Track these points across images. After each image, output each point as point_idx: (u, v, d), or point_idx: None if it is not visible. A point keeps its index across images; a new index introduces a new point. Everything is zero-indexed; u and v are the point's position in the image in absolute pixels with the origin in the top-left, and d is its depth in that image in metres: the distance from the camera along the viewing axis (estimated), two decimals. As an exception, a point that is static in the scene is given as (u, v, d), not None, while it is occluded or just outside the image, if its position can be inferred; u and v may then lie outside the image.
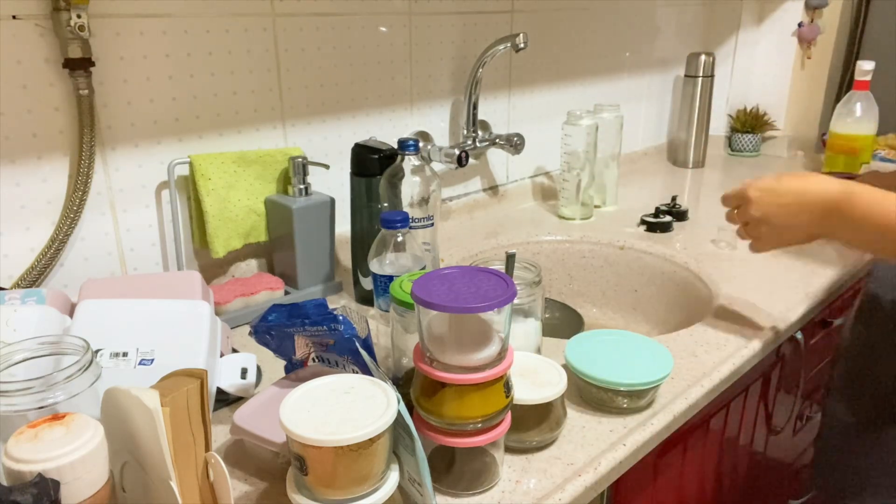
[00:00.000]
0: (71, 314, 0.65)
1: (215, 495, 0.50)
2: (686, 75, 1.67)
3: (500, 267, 0.74)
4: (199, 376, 0.49)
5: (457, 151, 1.13)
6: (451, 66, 1.20)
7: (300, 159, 0.92)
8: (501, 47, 1.10)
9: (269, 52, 0.95)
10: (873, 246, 0.69)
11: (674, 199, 1.31)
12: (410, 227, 0.80)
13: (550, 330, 0.83)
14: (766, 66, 1.98)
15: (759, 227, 0.76)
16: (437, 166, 1.17)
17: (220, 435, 0.64)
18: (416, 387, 0.56)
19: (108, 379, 0.50)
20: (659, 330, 1.12)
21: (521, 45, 1.09)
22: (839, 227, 0.70)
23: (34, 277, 0.78)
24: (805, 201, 0.71)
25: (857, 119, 1.46)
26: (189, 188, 0.90)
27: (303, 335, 0.63)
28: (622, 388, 0.66)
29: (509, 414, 0.57)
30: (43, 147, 0.78)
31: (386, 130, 1.13)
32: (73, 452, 0.40)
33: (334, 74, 1.03)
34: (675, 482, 0.83)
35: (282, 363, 0.68)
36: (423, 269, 0.78)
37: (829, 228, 0.71)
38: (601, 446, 0.63)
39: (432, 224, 0.88)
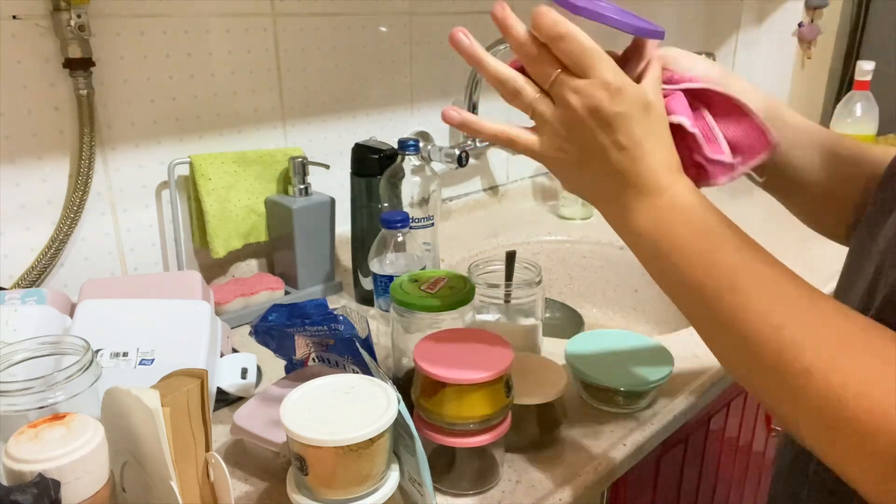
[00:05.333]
0: (71, 314, 0.65)
1: (215, 495, 0.50)
2: (686, 75, 1.66)
3: (500, 267, 0.74)
4: (200, 376, 0.49)
5: (457, 151, 1.13)
6: (451, 66, 1.20)
7: (300, 159, 0.92)
8: (501, 47, 1.10)
9: (269, 52, 0.95)
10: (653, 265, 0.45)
11: (674, 199, 1.31)
12: (410, 227, 0.80)
13: (550, 330, 0.83)
14: (766, 66, 1.98)
15: (557, 121, 0.46)
16: (438, 166, 1.17)
17: (221, 435, 0.64)
18: (417, 387, 0.56)
19: (109, 379, 0.50)
20: (659, 330, 1.12)
21: (522, 45, 1.09)
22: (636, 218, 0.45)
23: (34, 277, 0.78)
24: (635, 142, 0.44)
25: (857, 119, 1.46)
26: (189, 188, 0.90)
27: (303, 335, 0.63)
28: (622, 388, 0.66)
29: (509, 414, 0.57)
30: (43, 147, 0.78)
31: (386, 130, 1.13)
32: (73, 452, 0.40)
33: (334, 74, 1.03)
34: (675, 482, 0.83)
35: (282, 363, 0.68)
36: (424, 269, 0.78)
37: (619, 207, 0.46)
38: (601, 446, 0.63)
39: (432, 224, 0.88)
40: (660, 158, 0.45)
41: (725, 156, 0.50)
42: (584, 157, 0.46)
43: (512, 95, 0.49)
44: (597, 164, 0.45)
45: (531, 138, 0.49)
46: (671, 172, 0.45)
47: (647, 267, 0.47)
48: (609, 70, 0.44)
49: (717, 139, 0.51)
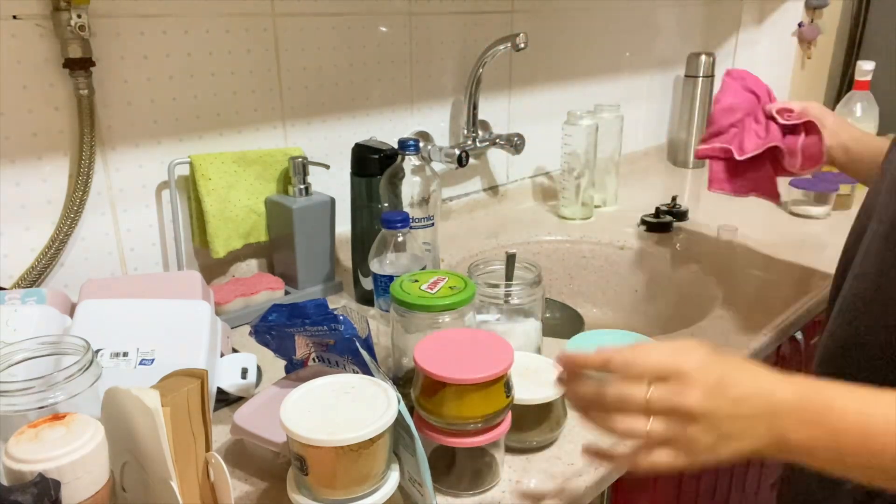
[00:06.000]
0: (71, 314, 0.65)
1: (215, 495, 0.50)
2: (686, 75, 1.67)
3: (500, 267, 0.74)
4: (200, 376, 0.49)
5: (457, 151, 1.13)
6: (451, 66, 1.20)
7: (300, 159, 0.92)
8: (501, 47, 1.10)
9: (269, 52, 0.95)
10: (855, 470, 0.45)
11: (674, 199, 1.31)
12: (411, 227, 0.80)
13: (550, 330, 0.83)
14: (766, 66, 1.97)
15: (695, 427, 0.45)
16: (438, 166, 1.17)
17: (221, 435, 0.64)
18: (417, 387, 0.56)
19: (109, 379, 0.50)
20: (659, 330, 1.12)
21: (522, 45, 1.09)
22: (804, 436, 0.45)
23: (34, 277, 0.78)
24: (759, 397, 0.46)
25: (857, 119, 1.46)
26: (189, 188, 0.90)
27: (303, 335, 0.63)
28: (622, 388, 0.66)
29: (509, 414, 0.57)
30: (43, 147, 0.78)
31: (386, 130, 1.13)
32: (73, 452, 0.40)
33: (334, 74, 1.03)
34: (676, 482, 0.83)
35: (282, 363, 0.68)
36: (424, 268, 0.78)
37: (786, 437, 0.45)
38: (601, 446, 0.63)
39: (432, 224, 0.88)
40: (767, 389, 0.46)
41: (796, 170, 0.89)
42: (726, 452, 0.46)
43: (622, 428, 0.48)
44: (736, 449, 0.46)
45: (663, 459, 0.47)
46: (786, 384, 0.46)
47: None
48: (664, 372, 0.45)
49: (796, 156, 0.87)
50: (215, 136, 0.92)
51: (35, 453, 0.39)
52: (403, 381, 0.66)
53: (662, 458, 0.46)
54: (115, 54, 0.81)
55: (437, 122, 1.21)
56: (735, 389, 0.45)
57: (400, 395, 0.50)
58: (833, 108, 1.52)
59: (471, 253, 1.13)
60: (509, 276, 0.73)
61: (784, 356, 1.00)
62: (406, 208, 0.85)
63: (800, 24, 1.93)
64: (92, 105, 0.78)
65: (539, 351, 0.74)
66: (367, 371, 0.59)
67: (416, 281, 0.65)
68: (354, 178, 0.92)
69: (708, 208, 1.35)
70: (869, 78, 1.44)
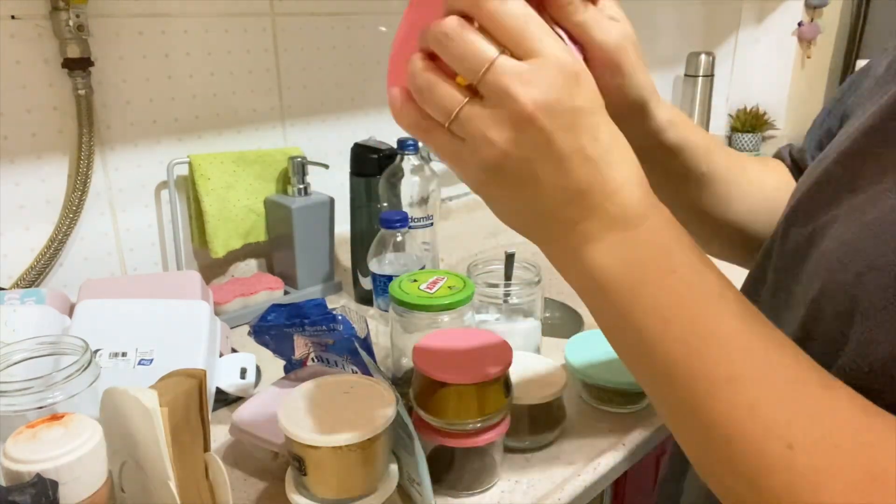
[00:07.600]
0: (70, 314, 0.65)
1: (214, 495, 0.50)
2: (686, 75, 1.67)
3: (499, 267, 0.74)
4: (198, 376, 0.49)
5: (456, 151, 1.13)
6: (451, 65, 1.20)
7: (299, 159, 0.92)
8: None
9: (268, 51, 0.95)
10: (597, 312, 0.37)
11: (674, 198, 1.31)
12: (410, 227, 0.80)
13: (550, 330, 0.83)
14: (766, 66, 1.98)
15: (496, 128, 0.30)
16: (437, 166, 1.17)
17: (220, 435, 0.64)
18: (416, 387, 0.56)
19: (107, 379, 0.50)
20: (659, 330, 1.12)
21: (521, 45, 1.09)
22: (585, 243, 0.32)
23: (33, 277, 0.78)
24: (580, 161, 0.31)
25: (857, 119, 1.46)
26: (188, 188, 0.90)
27: (302, 335, 0.63)
28: (622, 388, 0.66)
29: (509, 414, 0.57)
30: (42, 147, 0.78)
31: (386, 130, 1.13)
32: (71, 452, 0.40)
33: (334, 74, 1.03)
34: (675, 482, 0.83)
35: (281, 363, 0.68)
36: (423, 268, 0.78)
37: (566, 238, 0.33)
38: (601, 446, 0.63)
39: (432, 224, 0.88)
40: (627, 173, 0.32)
41: None
42: (532, 177, 0.31)
43: (426, 90, 0.32)
44: (550, 184, 0.31)
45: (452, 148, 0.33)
46: (646, 194, 0.32)
47: (601, 321, 0.36)
48: (556, 44, 0.30)
49: None
50: (214, 136, 0.92)
51: (33, 453, 0.39)
52: (402, 381, 0.66)
53: (446, 149, 0.33)
54: (113, 54, 0.81)
55: (436, 121, 1.21)
56: (587, 140, 0.31)
57: (399, 395, 0.50)
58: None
59: (470, 253, 1.13)
60: (508, 275, 0.73)
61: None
62: (405, 208, 0.85)
63: (799, 24, 1.92)
64: (91, 105, 0.78)
65: (538, 351, 0.74)
66: (365, 371, 0.59)
67: (415, 281, 0.65)
68: (353, 178, 0.91)
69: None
70: (869, 77, 1.44)
